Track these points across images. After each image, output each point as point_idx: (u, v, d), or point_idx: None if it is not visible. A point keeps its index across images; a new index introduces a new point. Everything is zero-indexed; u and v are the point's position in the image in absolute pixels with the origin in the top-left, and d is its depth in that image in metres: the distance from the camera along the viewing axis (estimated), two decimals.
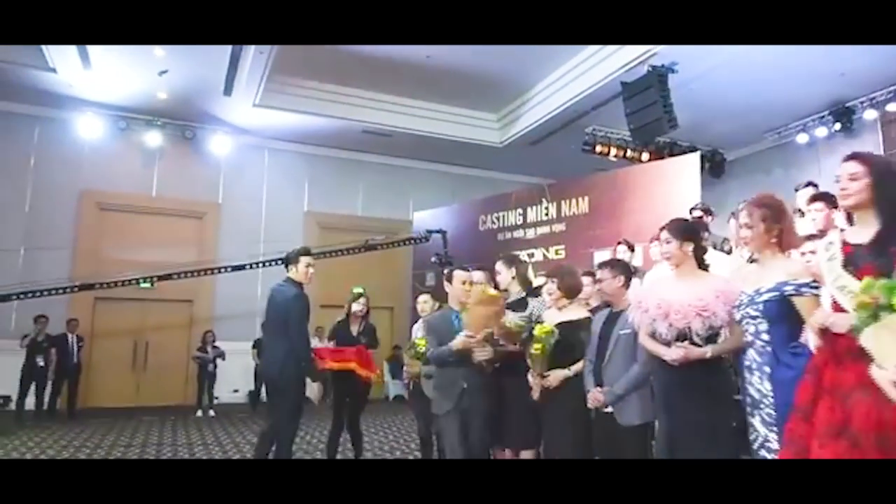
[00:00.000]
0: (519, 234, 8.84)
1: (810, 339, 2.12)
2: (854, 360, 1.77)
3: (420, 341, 4.34)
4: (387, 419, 8.37)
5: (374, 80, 9.64)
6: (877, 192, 1.84)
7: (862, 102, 9.15)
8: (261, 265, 9.47)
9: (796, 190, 4.32)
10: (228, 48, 8.00)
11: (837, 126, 9.50)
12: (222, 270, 9.65)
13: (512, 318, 3.38)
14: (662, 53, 7.80)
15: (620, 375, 2.85)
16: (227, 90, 9.26)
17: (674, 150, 10.81)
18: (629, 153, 10.27)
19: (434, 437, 4.36)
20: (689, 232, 2.63)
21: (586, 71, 8.76)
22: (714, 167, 11.50)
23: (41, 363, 8.31)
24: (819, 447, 1.78)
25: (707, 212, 4.76)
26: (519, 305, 3.52)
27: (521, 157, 11.53)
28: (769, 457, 2.10)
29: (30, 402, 8.38)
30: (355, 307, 5.06)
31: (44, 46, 8.03)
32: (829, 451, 1.75)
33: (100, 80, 8.95)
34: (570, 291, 3.24)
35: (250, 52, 8.05)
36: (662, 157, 10.44)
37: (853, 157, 1.94)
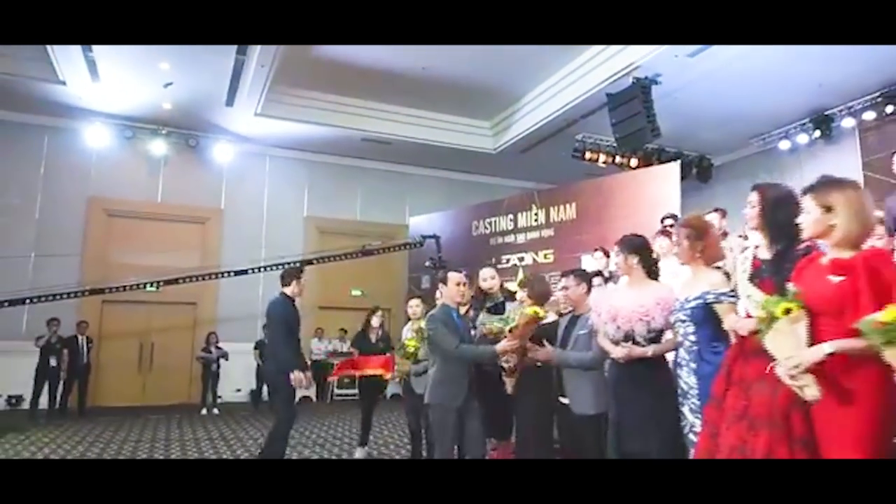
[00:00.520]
0: (510, 238, 9.21)
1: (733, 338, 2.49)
2: (757, 356, 2.13)
3: (410, 342, 4.71)
4: (382, 416, 8.71)
5: (373, 90, 9.99)
6: (765, 218, 2.21)
7: (840, 111, 9.50)
8: (262, 270, 9.86)
9: None
10: (231, 62, 8.36)
11: (817, 133, 9.86)
12: (225, 275, 10.00)
13: (491, 319, 3.75)
14: (646, 66, 8.15)
15: (575, 371, 3.23)
16: (230, 101, 9.63)
17: (661, 156, 11.14)
18: (618, 160, 10.60)
19: (423, 430, 4.68)
20: (635, 247, 3.01)
21: (574, 82, 9.11)
22: (701, 172, 11.84)
23: (54, 364, 8.69)
24: (726, 429, 2.15)
25: (676, 219, 5.11)
26: (497, 309, 3.89)
27: (513, 163, 11.90)
28: (695, 440, 2.47)
29: (42, 400, 8.76)
30: (374, 321, 6.05)
31: (54, 60, 8.39)
32: (732, 432, 2.12)
33: (107, 91, 9.32)
34: (540, 298, 3.61)
35: (252, 64, 8.41)
36: (651, 163, 10.79)
37: (754, 187, 2.31)
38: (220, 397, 9.89)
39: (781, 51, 7.69)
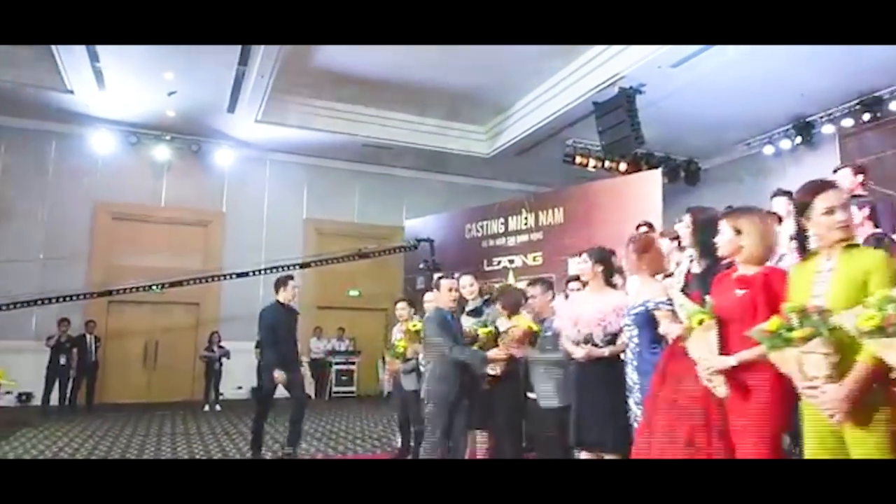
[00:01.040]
0: (501, 241, 9.55)
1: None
2: (686, 357, 2.47)
3: (400, 343, 5.08)
4: (379, 412, 9.08)
5: (370, 97, 10.31)
6: (695, 238, 2.56)
7: (821, 118, 9.85)
8: (262, 272, 10.23)
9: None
10: (233, 72, 8.71)
11: (799, 139, 10.20)
12: (227, 277, 10.36)
13: (471, 323, 4.11)
14: (630, 76, 8.48)
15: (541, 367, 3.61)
16: (231, 108, 9.96)
17: (650, 160, 11.51)
18: (607, 164, 10.94)
19: (412, 422, 5.03)
20: (602, 258, 3.36)
21: (563, 90, 9.44)
22: (689, 176, 12.20)
23: (64, 362, 9.07)
24: (659, 418, 2.51)
25: (650, 227, 5.45)
26: (476, 313, 4.25)
27: (507, 166, 12.24)
28: None
29: (52, 397, 9.12)
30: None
31: (63, 70, 8.73)
32: (664, 420, 2.48)
33: (113, 99, 9.67)
34: (513, 308, 3.98)
35: (252, 75, 8.76)
36: (639, 167, 11.14)
37: (688, 210, 2.66)
38: (222, 394, 10.23)
39: (762, 61, 8.03)
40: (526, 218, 9.27)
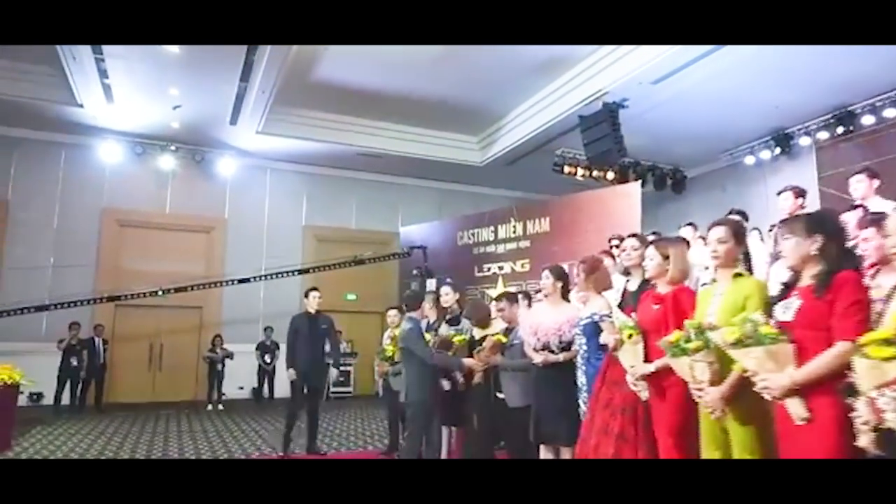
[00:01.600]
0: (491, 248, 9.99)
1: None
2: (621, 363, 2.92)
3: (388, 347, 5.52)
4: (373, 412, 9.52)
5: (367, 109, 10.70)
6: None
7: (798, 130, 10.28)
8: (263, 278, 10.67)
9: (679, 228, 5.33)
10: (235, 88, 9.14)
11: (778, 150, 10.63)
12: (229, 283, 10.81)
13: (449, 331, 4.55)
14: (614, 91, 8.90)
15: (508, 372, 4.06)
16: (233, 120, 10.40)
17: (637, 169, 11.95)
18: (595, 173, 11.37)
19: (401, 421, 5.46)
20: (561, 275, 3.80)
21: (551, 104, 9.87)
22: (676, 184, 12.63)
23: (75, 363, 9.52)
24: (597, 415, 2.94)
25: (621, 240, 5.87)
26: (454, 322, 4.68)
27: (499, 174, 12.68)
28: None
29: (62, 397, 9.57)
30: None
31: (73, 85, 9.17)
32: (601, 417, 2.92)
33: (120, 112, 10.10)
34: (481, 321, 4.46)
35: (254, 91, 9.20)
36: (626, 176, 11.58)
37: (631, 234, 3.09)
38: (224, 394, 10.65)
39: (738, 76, 8.47)
40: (514, 226, 9.71)
